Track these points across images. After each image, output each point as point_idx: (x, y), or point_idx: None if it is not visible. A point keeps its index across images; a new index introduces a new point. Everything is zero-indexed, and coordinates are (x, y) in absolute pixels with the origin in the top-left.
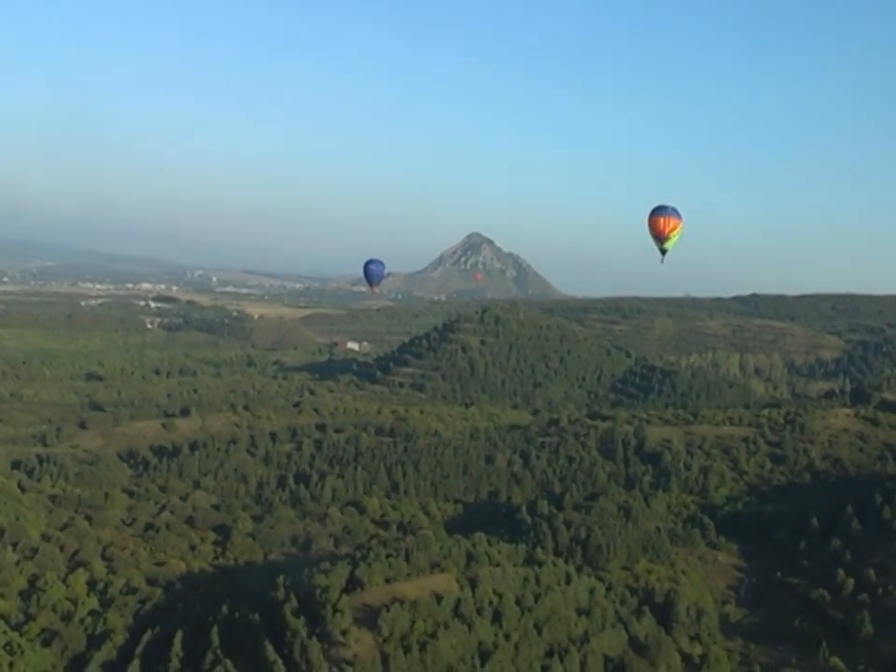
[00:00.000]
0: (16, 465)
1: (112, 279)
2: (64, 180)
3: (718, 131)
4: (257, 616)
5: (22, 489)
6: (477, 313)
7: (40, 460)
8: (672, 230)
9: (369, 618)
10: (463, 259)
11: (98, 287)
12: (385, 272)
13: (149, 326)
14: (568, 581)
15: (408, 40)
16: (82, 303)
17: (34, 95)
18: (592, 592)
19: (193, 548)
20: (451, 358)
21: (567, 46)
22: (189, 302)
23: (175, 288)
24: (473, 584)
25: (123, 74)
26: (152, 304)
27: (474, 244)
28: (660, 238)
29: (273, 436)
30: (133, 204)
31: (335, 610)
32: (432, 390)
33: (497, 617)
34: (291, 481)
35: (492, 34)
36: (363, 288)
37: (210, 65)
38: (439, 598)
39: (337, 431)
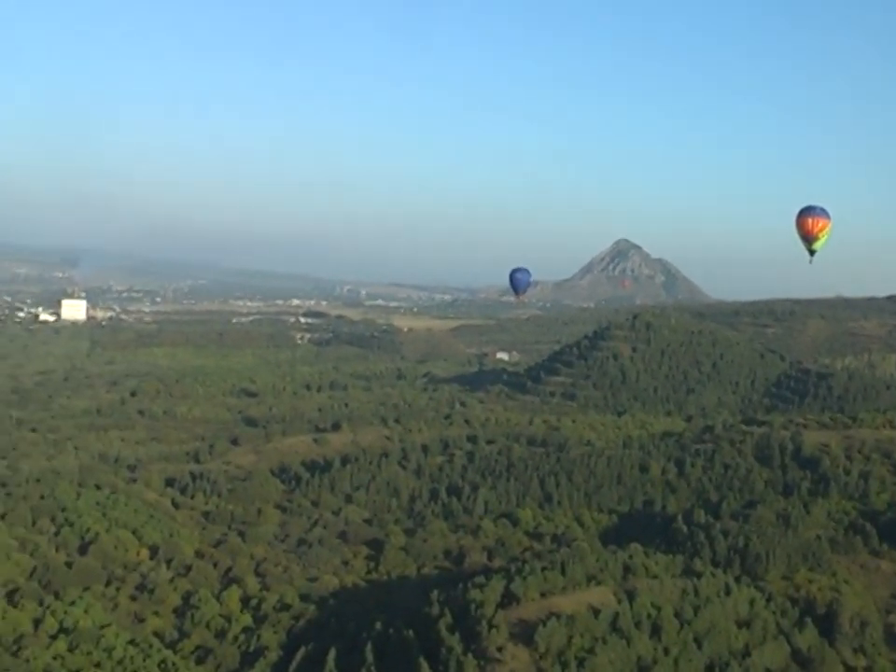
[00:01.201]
0: (170, 482)
1: (262, 296)
2: (215, 198)
3: (866, 126)
4: (411, 632)
5: (176, 506)
6: (627, 319)
7: (193, 477)
8: (821, 230)
9: (525, 633)
10: (611, 266)
11: (249, 304)
12: (531, 280)
13: (300, 341)
14: (728, 593)
15: (545, 42)
16: (233, 321)
17: (187, 120)
18: (752, 603)
19: (346, 563)
20: (602, 366)
21: (709, 40)
22: (339, 317)
23: (324, 303)
24: (631, 597)
25: (271, 88)
26: (302, 320)
27: (622, 250)
28: (808, 239)
29: (424, 448)
30: (283, 221)
31: (490, 626)
32: (584, 399)
33: (655, 631)
34: (443, 493)
35: (641, 32)
36: (511, 298)
37: (352, 81)
38: (596, 612)
39: (489, 442)
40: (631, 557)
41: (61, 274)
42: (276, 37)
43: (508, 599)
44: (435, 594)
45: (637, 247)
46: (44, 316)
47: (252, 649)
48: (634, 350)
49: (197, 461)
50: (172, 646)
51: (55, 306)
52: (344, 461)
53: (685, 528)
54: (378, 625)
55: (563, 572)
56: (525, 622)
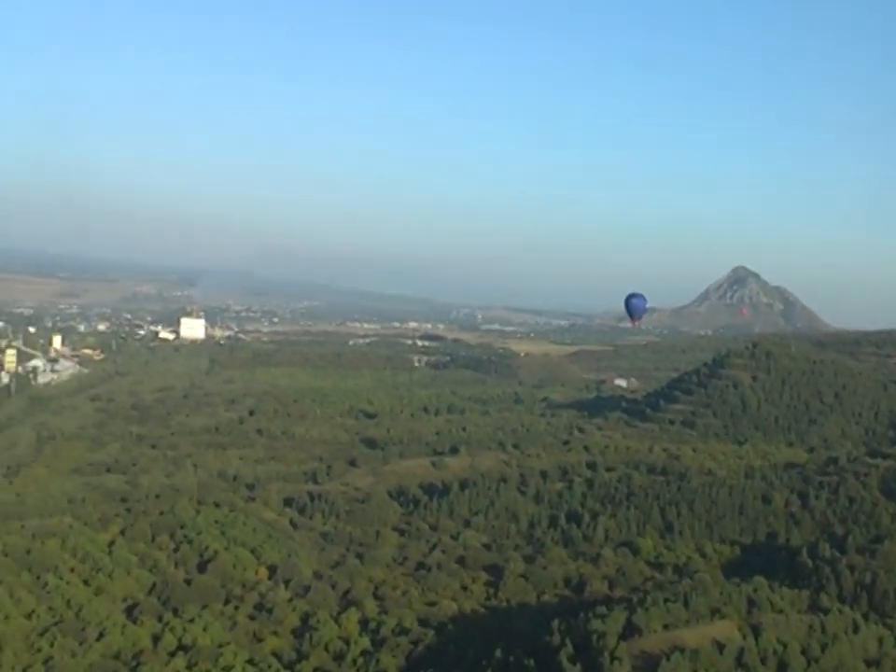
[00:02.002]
0: (288, 502)
1: (379, 318)
2: (334, 221)
3: None
4: (531, 661)
5: (294, 526)
6: (747, 347)
7: (311, 497)
8: None
9: (647, 666)
10: (729, 294)
11: (366, 325)
12: (647, 305)
13: (417, 364)
14: (855, 630)
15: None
16: (350, 342)
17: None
18: (880, 641)
19: (465, 588)
20: (722, 394)
21: (829, 58)
22: (456, 340)
23: (441, 327)
24: (756, 632)
25: (394, 111)
26: (419, 343)
27: (740, 277)
28: None
29: (543, 474)
30: (401, 244)
31: (613, 657)
32: (703, 427)
33: (781, 667)
34: (563, 520)
35: (762, 50)
36: (629, 324)
37: (469, 106)
38: (720, 647)
39: (608, 470)
40: (756, 591)
41: (180, 293)
42: (386, 59)
43: (630, 630)
44: (556, 622)
45: (755, 275)
46: (164, 334)
47: None
48: (754, 379)
49: (315, 482)
50: (290, 667)
51: (175, 324)
52: (463, 485)
53: (810, 562)
54: (498, 653)
55: (686, 604)
56: (647, 654)
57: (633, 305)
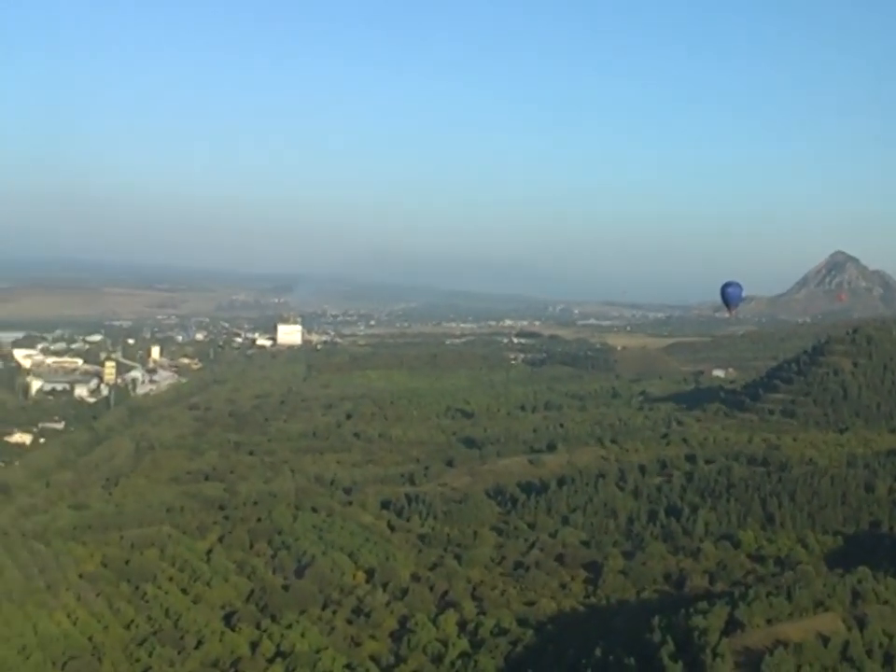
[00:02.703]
0: (385, 504)
1: (476, 317)
2: (427, 223)
3: None
4: (632, 660)
5: (392, 528)
6: (848, 333)
7: (409, 499)
8: None
9: (750, 662)
10: (827, 280)
11: (462, 325)
12: (744, 294)
13: (513, 361)
14: None
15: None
16: (447, 342)
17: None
18: None
19: (563, 586)
20: (822, 382)
21: None
22: (552, 337)
23: (537, 323)
24: (861, 624)
25: (481, 113)
26: (515, 340)
27: (838, 262)
28: None
29: (641, 469)
30: (494, 243)
31: (714, 654)
32: (803, 416)
33: (888, 660)
34: (662, 515)
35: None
36: (725, 314)
37: (555, 99)
38: (825, 640)
39: (707, 462)
40: (860, 582)
41: (277, 300)
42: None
43: (732, 626)
44: (656, 619)
45: (854, 259)
46: (261, 341)
47: None
48: (855, 365)
49: (412, 483)
50: (388, 670)
51: (271, 331)
52: (561, 482)
53: None
54: (598, 652)
55: (789, 597)
56: (750, 650)
57: (729, 294)
